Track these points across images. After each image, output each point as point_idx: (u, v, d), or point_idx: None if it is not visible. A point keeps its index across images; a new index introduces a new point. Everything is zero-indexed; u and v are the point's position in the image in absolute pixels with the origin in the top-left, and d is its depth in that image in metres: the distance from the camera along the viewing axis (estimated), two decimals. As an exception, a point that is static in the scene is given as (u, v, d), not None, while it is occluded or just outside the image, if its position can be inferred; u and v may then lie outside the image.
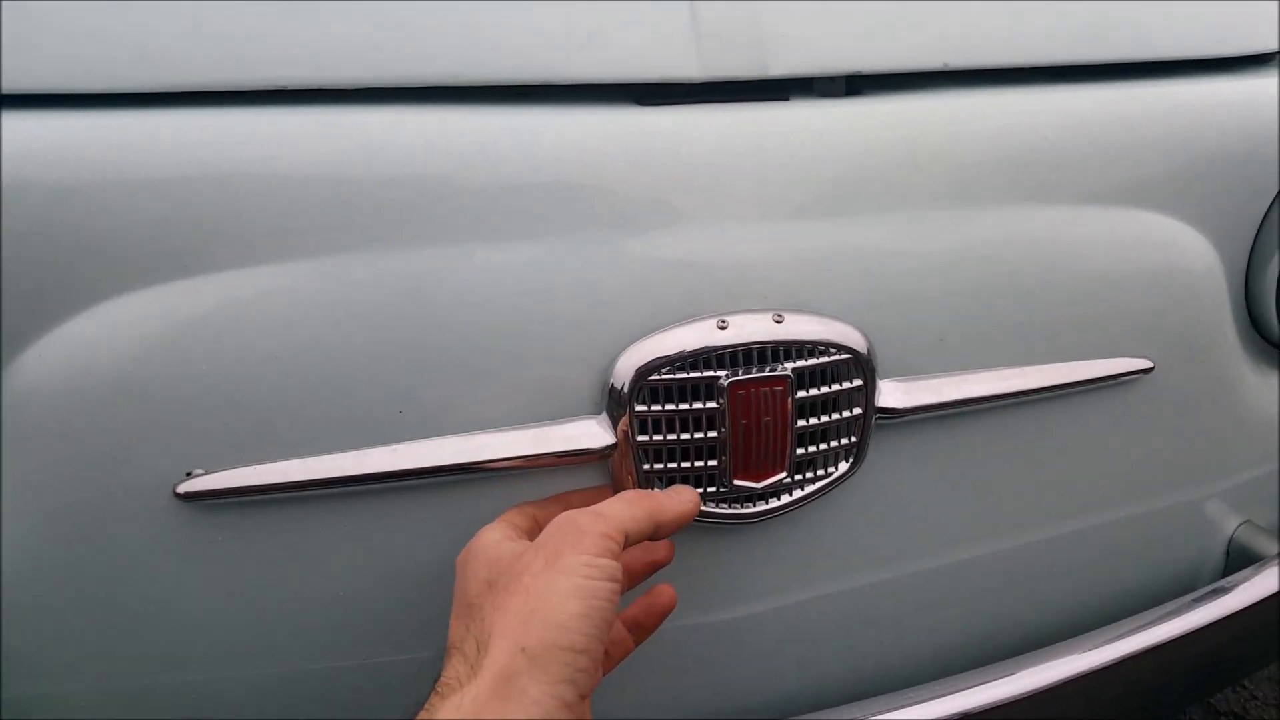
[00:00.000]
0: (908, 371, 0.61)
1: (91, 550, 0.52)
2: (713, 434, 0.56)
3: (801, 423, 0.58)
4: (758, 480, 0.58)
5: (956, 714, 0.64)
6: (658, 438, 0.56)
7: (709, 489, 0.58)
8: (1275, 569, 0.76)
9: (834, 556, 0.66)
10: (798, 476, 0.60)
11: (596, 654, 0.40)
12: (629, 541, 0.45)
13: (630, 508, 0.46)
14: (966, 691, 0.65)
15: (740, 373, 0.55)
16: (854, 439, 0.60)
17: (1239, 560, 0.81)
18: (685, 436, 0.56)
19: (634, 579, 0.55)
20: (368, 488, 0.54)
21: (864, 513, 0.65)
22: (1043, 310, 0.65)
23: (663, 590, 0.56)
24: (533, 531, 0.48)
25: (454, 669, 0.40)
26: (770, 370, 0.56)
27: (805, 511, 0.62)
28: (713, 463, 0.57)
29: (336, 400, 0.53)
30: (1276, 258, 0.73)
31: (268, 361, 0.53)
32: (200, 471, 0.52)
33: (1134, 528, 0.78)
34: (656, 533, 0.48)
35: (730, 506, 0.59)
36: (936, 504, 0.67)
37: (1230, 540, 0.83)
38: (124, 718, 0.56)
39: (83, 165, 0.49)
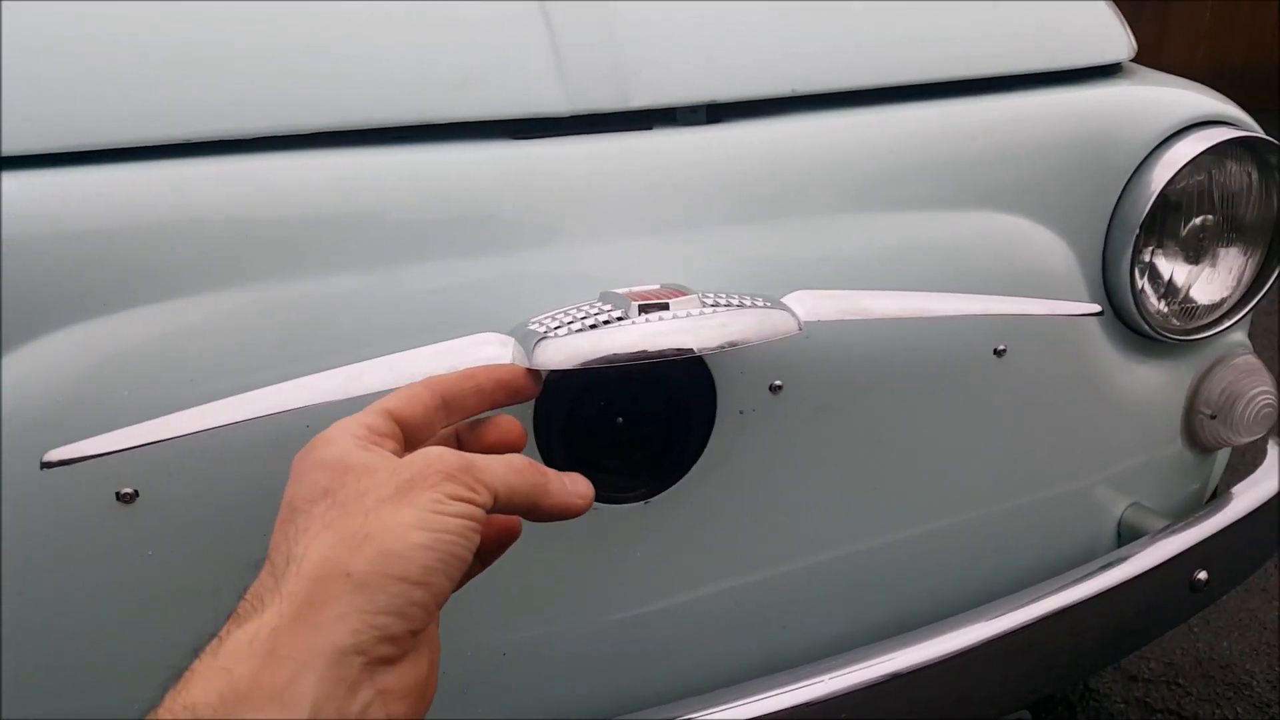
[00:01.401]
0: (760, 374, 0.67)
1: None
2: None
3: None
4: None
5: (881, 677, 0.69)
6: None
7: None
8: (1161, 542, 0.81)
9: (719, 550, 0.71)
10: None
11: (437, 592, 0.36)
12: (498, 507, 0.40)
13: (514, 474, 0.41)
14: (886, 658, 0.70)
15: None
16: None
17: (1130, 539, 0.86)
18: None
19: (481, 554, 0.50)
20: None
21: (736, 508, 0.70)
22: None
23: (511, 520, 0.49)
24: (395, 438, 0.43)
25: (259, 585, 0.36)
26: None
27: (684, 500, 0.67)
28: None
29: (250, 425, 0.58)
30: (1128, 252, 0.79)
31: (183, 385, 0.58)
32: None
33: (1024, 515, 0.83)
34: (532, 512, 0.43)
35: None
36: (812, 500, 0.72)
37: (1120, 521, 0.87)
38: None
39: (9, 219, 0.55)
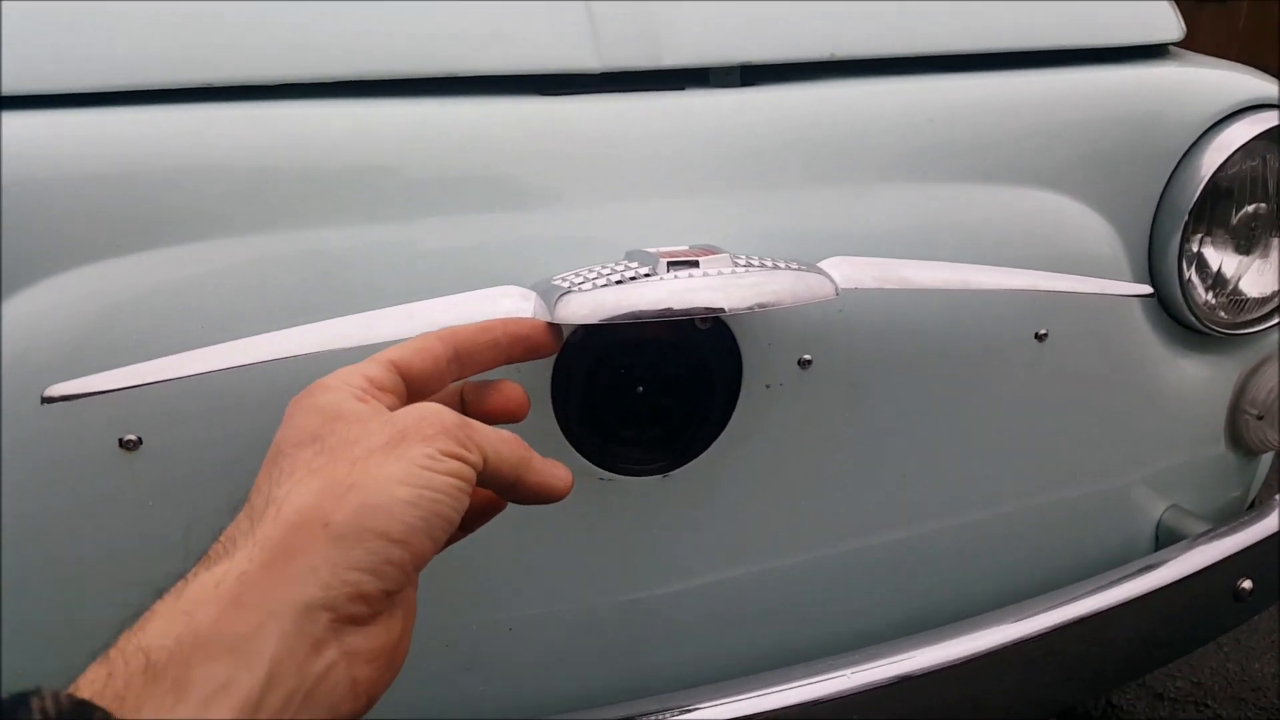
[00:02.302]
0: (788, 346, 0.64)
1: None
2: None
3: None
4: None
5: (895, 677, 0.66)
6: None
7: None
8: (1204, 546, 0.78)
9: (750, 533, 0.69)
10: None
11: (417, 552, 0.34)
12: (485, 474, 0.38)
13: (503, 443, 0.39)
14: (900, 658, 0.67)
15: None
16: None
17: (1169, 543, 0.82)
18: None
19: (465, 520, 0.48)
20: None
21: (757, 488, 0.68)
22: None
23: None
24: (396, 393, 0.41)
25: (234, 528, 0.34)
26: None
27: (704, 477, 0.65)
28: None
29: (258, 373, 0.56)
30: (1176, 238, 0.76)
31: (193, 332, 0.56)
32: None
33: (1058, 512, 0.79)
34: (512, 488, 0.41)
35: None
36: (836, 484, 0.70)
37: (1158, 524, 0.84)
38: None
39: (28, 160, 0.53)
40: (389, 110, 0.60)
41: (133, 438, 0.55)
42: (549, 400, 0.60)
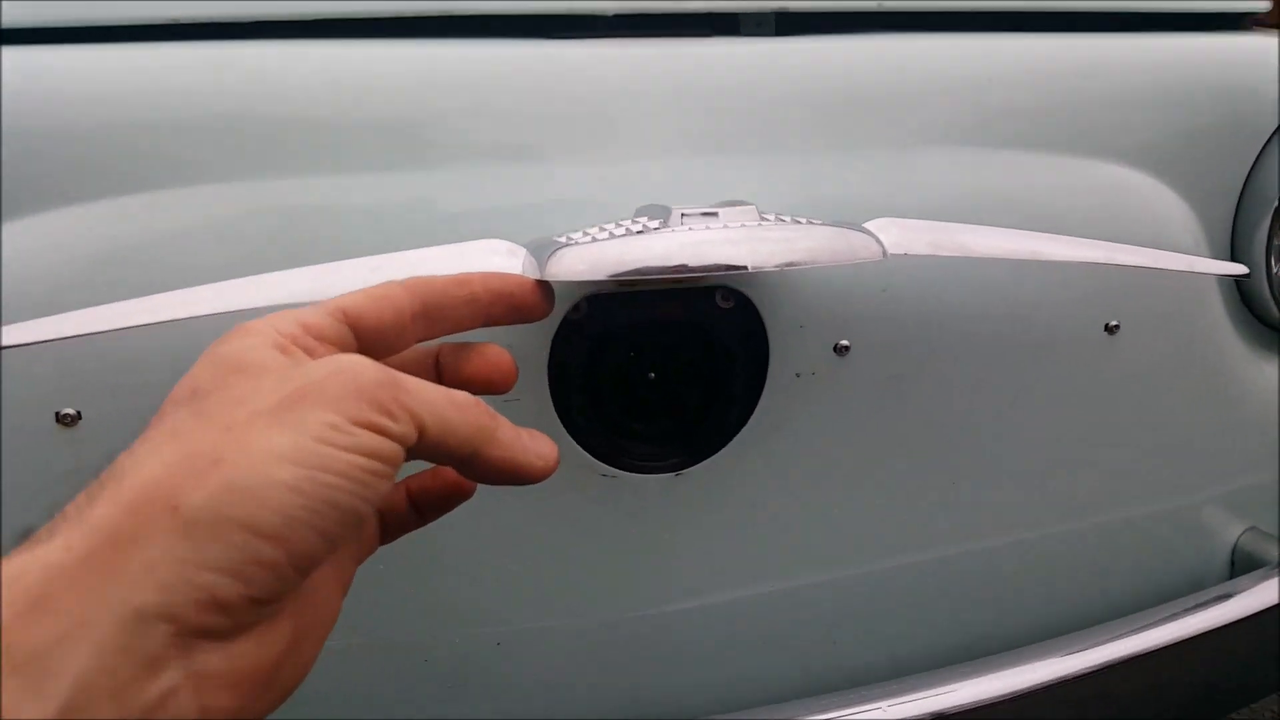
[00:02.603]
0: (824, 329, 0.56)
1: None
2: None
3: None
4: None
5: (927, 714, 0.58)
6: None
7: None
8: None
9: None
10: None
11: (298, 552, 0.26)
12: (424, 446, 0.30)
13: (453, 408, 0.30)
14: (934, 692, 0.59)
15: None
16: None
17: (1245, 569, 0.73)
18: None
19: (420, 506, 0.39)
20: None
21: (783, 492, 0.59)
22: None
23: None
24: (341, 343, 0.34)
25: (74, 502, 0.26)
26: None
27: (723, 477, 0.57)
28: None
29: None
30: (1264, 227, 0.67)
31: (154, 284, 0.49)
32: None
33: (1123, 532, 0.70)
34: (472, 464, 0.32)
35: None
36: (873, 490, 0.61)
37: (1234, 549, 0.74)
38: None
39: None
40: (377, 52, 0.53)
41: (71, 412, 0.49)
42: (545, 385, 0.52)
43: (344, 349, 0.33)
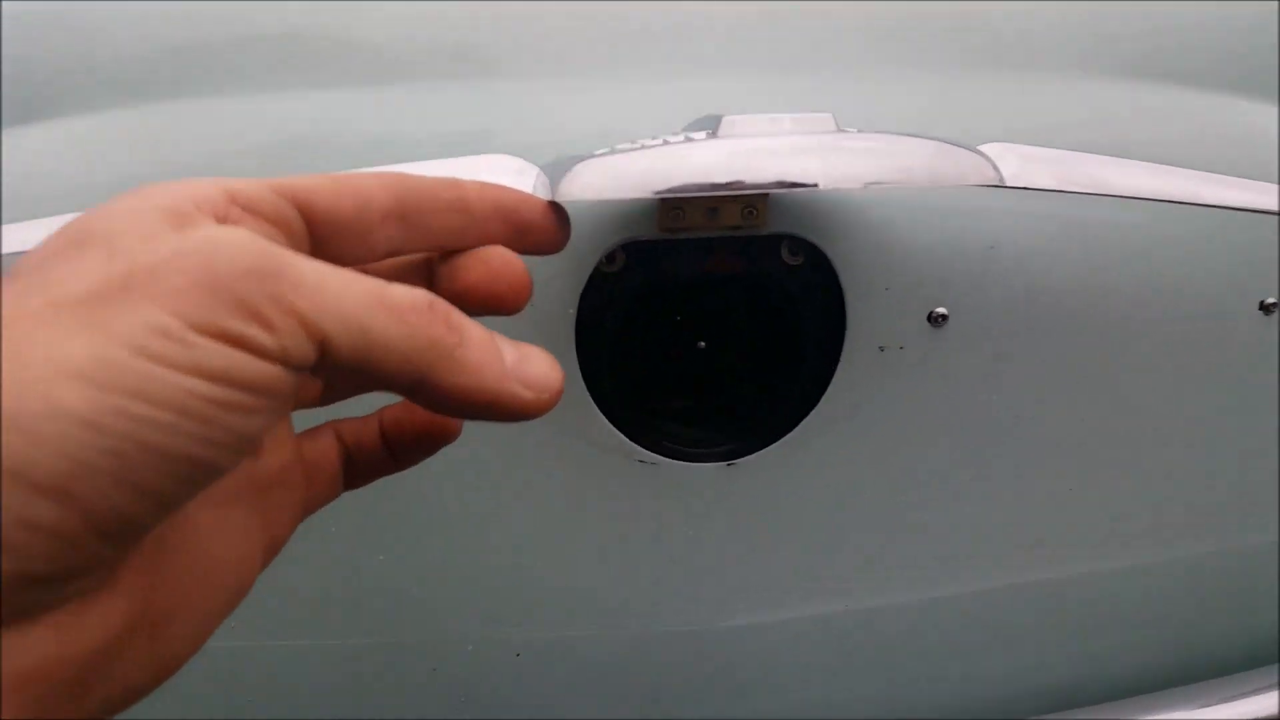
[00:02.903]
0: (916, 294, 0.46)
1: None
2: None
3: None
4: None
5: None
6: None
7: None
8: None
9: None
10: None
11: (96, 510, 0.18)
12: (335, 368, 0.21)
13: (387, 313, 0.21)
14: None
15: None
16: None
17: None
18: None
19: (394, 450, 0.30)
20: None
21: (858, 492, 0.49)
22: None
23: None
24: (281, 224, 0.24)
25: None
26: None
27: (784, 469, 0.47)
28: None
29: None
30: None
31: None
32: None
33: (1260, 563, 0.58)
34: (422, 391, 0.23)
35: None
36: (967, 494, 0.51)
37: None
38: None
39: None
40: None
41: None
42: (572, 351, 0.43)
43: (289, 236, 0.24)
